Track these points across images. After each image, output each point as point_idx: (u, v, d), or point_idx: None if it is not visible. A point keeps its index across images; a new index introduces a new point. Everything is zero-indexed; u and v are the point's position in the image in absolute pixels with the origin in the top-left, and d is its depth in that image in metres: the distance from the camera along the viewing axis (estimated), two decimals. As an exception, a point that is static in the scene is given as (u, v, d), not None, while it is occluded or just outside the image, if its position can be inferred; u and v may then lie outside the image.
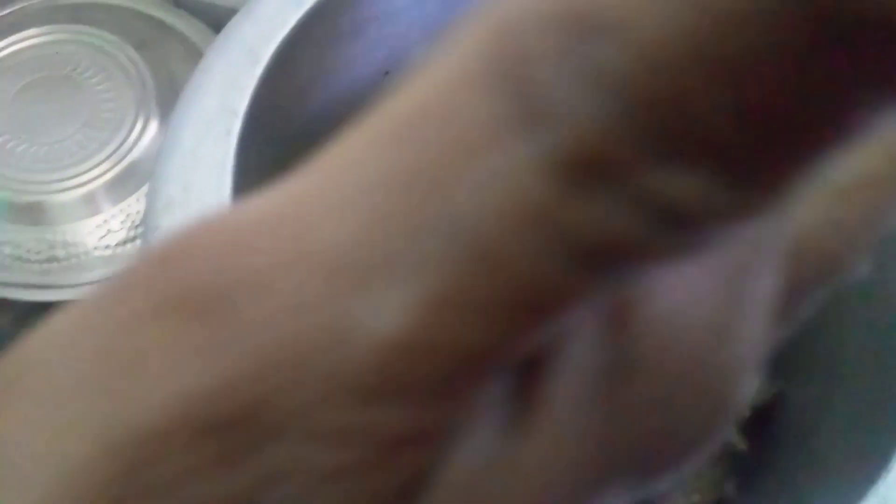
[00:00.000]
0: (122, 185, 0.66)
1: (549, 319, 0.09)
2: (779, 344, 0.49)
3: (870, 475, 0.34)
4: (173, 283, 0.10)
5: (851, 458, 0.41)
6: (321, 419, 0.09)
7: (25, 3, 0.73)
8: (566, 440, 0.11)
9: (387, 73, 0.48)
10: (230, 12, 0.39)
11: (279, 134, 0.39)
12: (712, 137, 0.08)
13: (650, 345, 0.12)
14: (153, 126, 0.67)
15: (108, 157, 0.67)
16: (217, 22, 0.67)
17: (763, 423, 0.50)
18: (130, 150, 0.66)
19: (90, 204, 0.67)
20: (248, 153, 0.34)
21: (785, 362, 0.51)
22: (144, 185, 0.62)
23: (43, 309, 0.76)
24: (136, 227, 0.65)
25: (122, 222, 0.66)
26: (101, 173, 0.66)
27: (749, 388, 0.13)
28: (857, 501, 0.33)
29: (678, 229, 0.09)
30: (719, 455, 0.50)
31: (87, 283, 0.66)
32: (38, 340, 0.11)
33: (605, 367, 0.11)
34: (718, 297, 0.12)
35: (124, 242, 0.66)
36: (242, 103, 0.34)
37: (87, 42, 0.71)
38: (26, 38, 0.71)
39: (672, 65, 0.08)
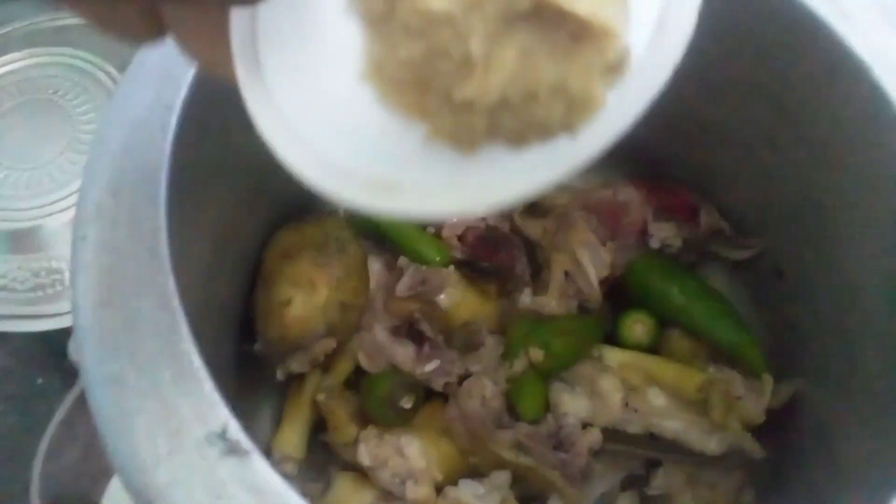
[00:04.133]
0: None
1: None
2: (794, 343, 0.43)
3: (892, 476, 0.30)
4: None
5: (873, 456, 0.37)
6: None
7: (9, 28, 0.72)
8: None
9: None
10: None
11: (221, 133, 0.37)
12: None
13: None
14: (134, 145, 0.64)
15: (91, 180, 0.65)
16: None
17: (781, 427, 0.46)
18: (110, 170, 0.64)
19: (75, 229, 0.65)
20: (186, 153, 0.32)
21: (801, 361, 0.47)
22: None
23: (37, 339, 0.75)
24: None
25: (103, 245, 0.64)
26: (84, 197, 0.64)
27: None
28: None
29: None
30: (736, 464, 0.46)
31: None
32: None
33: None
34: None
35: (106, 266, 0.63)
36: (178, 97, 0.31)
37: (69, 64, 0.70)
38: (7, 63, 0.70)
39: None
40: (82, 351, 0.29)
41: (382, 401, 0.46)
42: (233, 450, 0.27)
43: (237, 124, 0.40)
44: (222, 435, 0.27)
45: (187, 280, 0.32)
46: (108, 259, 0.30)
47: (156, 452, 0.27)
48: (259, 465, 0.26)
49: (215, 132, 0.36)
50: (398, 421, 0.46)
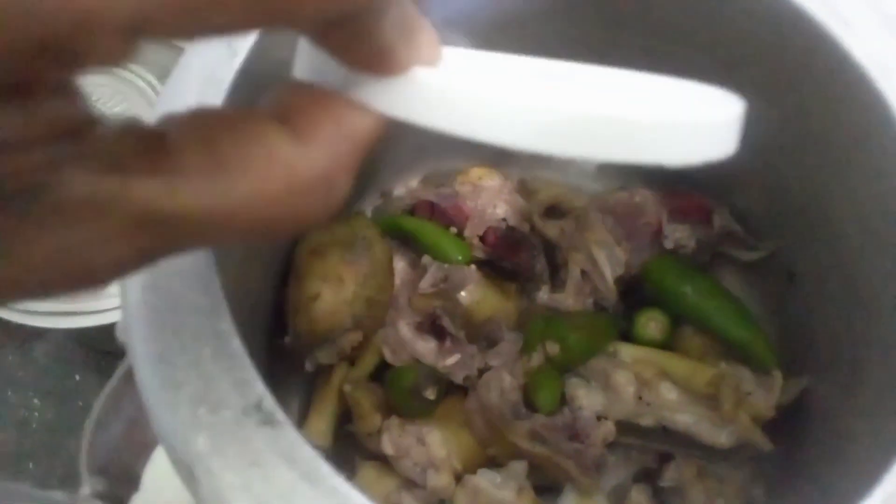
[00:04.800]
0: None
1: None
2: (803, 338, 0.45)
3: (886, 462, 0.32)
4: None
5: (879, 451, 0.39)
6: None
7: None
8: None
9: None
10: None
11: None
12: None
13: None
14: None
15: (129, 183, 0.67)
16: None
17: (790, 423, 0.48)
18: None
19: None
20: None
21: (810, 359, 0.48)
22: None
23: (75, 336, 0.78)
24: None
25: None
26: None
27: None
28: (869, 487, 0.31)
29: None
30: (746, 458, 0.48)
31: (112, 309, 0.67)
32: None
33: None
34: None
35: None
36: (220, 97, 0.34)
37: (110, 72, 0.73)
38: (51, 72, 0.73)
39: None
40: (130, 330, 0.31)
41: (406, 392, 0.48)
42: (267, 420, 0.29)
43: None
44: (258, 407, 0.29)
45: (223, 274, 0.35)
46: (154, 246, 0.32)
47: (197, 423, 0.29)
48: (291, 435, 0.29)
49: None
50: (421, 412, 0.49)
